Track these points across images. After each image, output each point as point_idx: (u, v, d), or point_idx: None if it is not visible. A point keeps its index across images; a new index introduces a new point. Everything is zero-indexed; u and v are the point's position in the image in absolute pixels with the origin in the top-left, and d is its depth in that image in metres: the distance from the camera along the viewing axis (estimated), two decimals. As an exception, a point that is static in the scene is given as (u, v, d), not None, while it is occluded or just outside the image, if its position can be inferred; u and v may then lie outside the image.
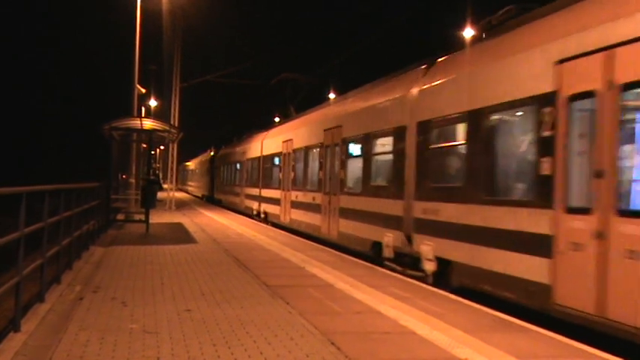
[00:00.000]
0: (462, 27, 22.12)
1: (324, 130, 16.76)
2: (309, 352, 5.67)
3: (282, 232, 19.13)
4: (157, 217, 21.96)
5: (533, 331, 6.77)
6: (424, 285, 9.65)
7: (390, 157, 12.44)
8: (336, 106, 17.59)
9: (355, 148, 14.74)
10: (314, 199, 17.35)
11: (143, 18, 24.37)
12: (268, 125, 30.42)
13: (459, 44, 12.64)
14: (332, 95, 32.43)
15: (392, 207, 11.90)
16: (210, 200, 42.49)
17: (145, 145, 22.67)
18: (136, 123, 19.01)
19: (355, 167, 14.55)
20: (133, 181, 21.76)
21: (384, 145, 12.89)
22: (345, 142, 15.08)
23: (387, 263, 11.92)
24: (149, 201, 17.81)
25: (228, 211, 29.95)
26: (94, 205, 13.54)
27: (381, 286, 9.31)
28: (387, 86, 13.58)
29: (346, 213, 14.64)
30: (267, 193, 24.31)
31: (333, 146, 15.98)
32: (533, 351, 5.97)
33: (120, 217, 18.88)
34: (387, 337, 6.32)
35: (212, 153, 46.41)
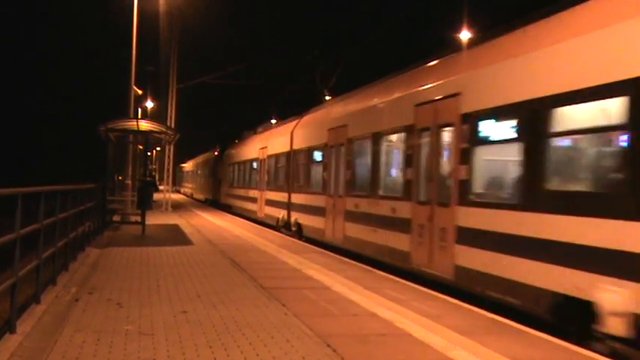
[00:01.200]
0: (458, 29, 22.21)
1: (417, 107, 11.06)
2: (305, 354, 5.67)
3: (278, 234, 19.07)
4: (153, 219, 21.93)
5: (529, 333, 6.78)
6: (420, 287, 9.63)
7: (605, 135, 7.01)
8: (442, 65, 11.38)
9: (500, 128, 8.89)
10: (395, 210, 11.68)
11: (140, 19, 24.36)
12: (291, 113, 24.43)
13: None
14: (327, 97, 31.32)
15: (628, 234, 6.20)
16: (216, 205, 37.37)
17: (141, 147, 22.64)
18: (132, 124, 19.00)
19: (502, 160, 9.08)
20: (129, 182, 21.72)
21: (587, 115, 7.21)
22: (471, 120, 9.28)
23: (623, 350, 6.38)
24: (145, 202, 17.80)
25: (225, 213, 29.88)
26: (90, 206, 13.52)
27: (377, 288, 9.31)
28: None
29: (475, 238, 8.94)
30: (301, 199, 18.60)
31: (436, 129, 10.39)
32: (529, 354, 5.98)
33: (116, 218, 18.86)
34: (383, 339, 6.33)
35: (217, 152, 41.41)
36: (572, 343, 6.36)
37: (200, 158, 54.55)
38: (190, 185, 64.14)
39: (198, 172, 54.40)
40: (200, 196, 49.72)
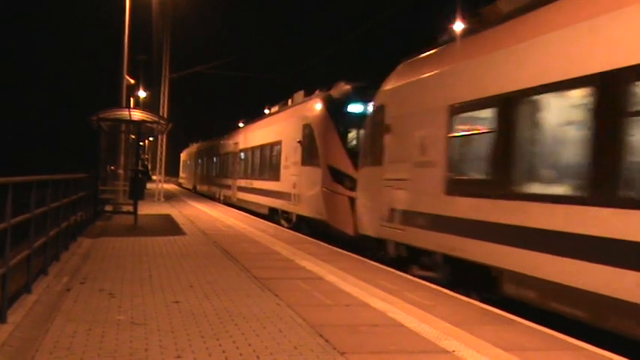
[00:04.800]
0: (452, 20, 22.09)
1: None
2: (297, 344, 5.67)
3: (272, 224, 19.05)
4: (146, 209, 21.87)
5: (521, 323, 6.80)
6: (412, 278, 9.67)
7: None
8: None
9: None
10: None
11: (133, 7, 24.15)
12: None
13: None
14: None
15: None
16: (316, 229, 17.05)
17: (133, 137, 22.53)
18: (124, 114, 18.90)
19: None
20: (121, 172, 21.62)
21: None
22: None
23: None
24: (138, 192, 17.72)
25: (217, 203, 29.81)
26: (82, 196, 13.46)
27: (369, 278, 9.32)
28: None
29: None
30: None
31: None
32: (521, 343, 6.00)
33: (108, 208, 18.79)
34: (376, 329, 6.34)
35: (319, 105, 17.71)
36: (563, 333, 6.39)
37: (248, 130, 29.28)
38: (189, 177, 51.25)
39: (241, 156, 29.30)
40: (246, 200, 26.76)
